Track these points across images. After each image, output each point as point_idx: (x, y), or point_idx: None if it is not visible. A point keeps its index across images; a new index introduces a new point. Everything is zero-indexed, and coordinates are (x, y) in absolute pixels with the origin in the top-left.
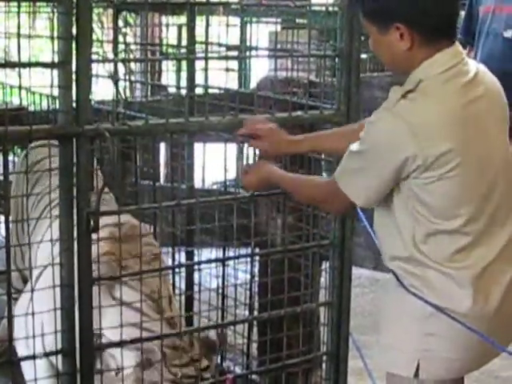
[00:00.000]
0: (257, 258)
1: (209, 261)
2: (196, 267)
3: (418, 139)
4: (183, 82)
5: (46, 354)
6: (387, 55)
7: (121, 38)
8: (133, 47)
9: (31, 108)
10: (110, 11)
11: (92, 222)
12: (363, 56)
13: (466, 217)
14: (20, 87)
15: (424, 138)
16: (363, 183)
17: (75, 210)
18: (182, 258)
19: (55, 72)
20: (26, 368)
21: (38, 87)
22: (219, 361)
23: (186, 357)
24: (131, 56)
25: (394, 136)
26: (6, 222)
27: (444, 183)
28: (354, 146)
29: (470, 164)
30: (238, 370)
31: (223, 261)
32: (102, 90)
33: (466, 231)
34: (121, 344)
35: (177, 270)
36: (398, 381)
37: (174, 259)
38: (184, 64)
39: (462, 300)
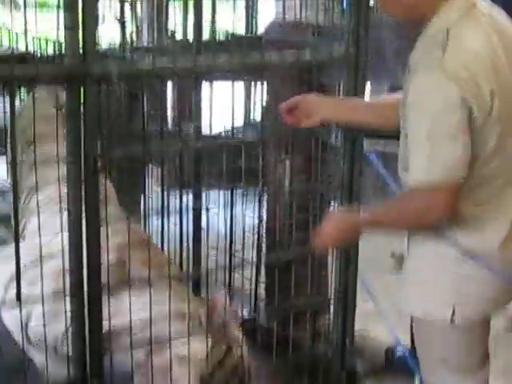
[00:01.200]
0: (265, 200)
1: (217, 207)
2: (204, 210)
3: (469, 92)
4: (190, 27)
5: (55, 296)
6: (398, 7)
7: None
8: None
9: (38, 54)
10: None
11: (99, 163)
12: None
13: (499, 162)
14: (26, 32)
15: (473, 88)
16: (447, 157)
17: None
18: (189, 201)
19: (62, 15)
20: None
21: (45, 32)
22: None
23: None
24: None
25: (449, 98)
26: (13, 163)
27: (485, 129)
28: (415, 133)
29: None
30: (245, 314)
31: (231, 203)
32: (108, 34)
33: (500, 176)
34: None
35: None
36: (431, 326)
37: (181, 201)
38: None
39: (494, 241)
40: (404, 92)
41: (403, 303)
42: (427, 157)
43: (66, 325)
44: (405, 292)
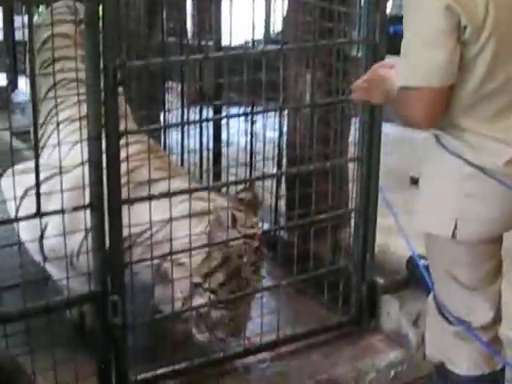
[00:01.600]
0: (285, 114)
1: (237, 115)
2: (224, 123)
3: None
4: None
5: (75, 209)
6: None
7: None
8: None
9: None
10: None
11: (119, 75)
12: None
13: (504, 79)
14: None
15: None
16: (427, 64)
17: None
18: (209, 114)
19: None
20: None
21: None
22: None
23: (249, 220)
24: None
25: (431, 6)
26: (32, 79)
27: (478, 42)
28: (402, 40)
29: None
30: (266, 228)
31: (252, 114)
32: None
33: (506, 94)
34: (149, 198)
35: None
36: (436, 241)
37: (201, 114)
38: None
39: (500, 156)
40: None
41: (414, 219)
42: (407, 64)
43: (85, 233)
44: (415, 208)
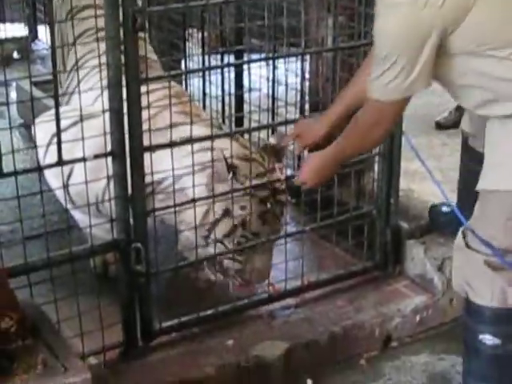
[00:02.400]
0: (307, 58)
1: (259, 59)
2: (245, 68)
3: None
4: None
5: (96, 156)
6: None
7: None
8: None
9: None
10: None
11: (138, 21)
12: None
13: None
14: None
15: None
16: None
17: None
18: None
19: None
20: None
21: None
22: None
23: (261, 168)
24: None
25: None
26: (52, 28)
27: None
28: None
29: None
30: (289, 172)
31: (273, 59)
32: None
33: None
34: (171, 145)
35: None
36: (505, 196)
37: (222, 60)
38: None
39: None
40: None
41: (484, 180)
42: (374, 75)
43: (107, 180)
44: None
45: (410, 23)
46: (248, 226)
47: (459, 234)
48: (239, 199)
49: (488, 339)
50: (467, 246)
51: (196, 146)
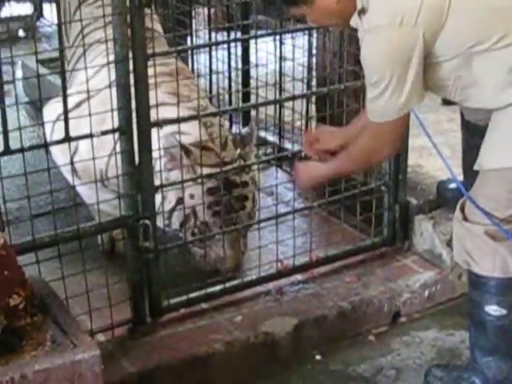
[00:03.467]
0: (314, 34)
1: (266, 34)
2: (252, 43)
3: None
4: None
5: (104, 133)
6: (333, 17)
7: None
8: None
9: None
10: None
11: None
12: None
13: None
14: None
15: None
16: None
17: None
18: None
19: None
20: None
21: None
22: (278, 140)
23: (215, 158)
24: None
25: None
26: (58, 4)
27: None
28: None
29: None
30: (296, 148)
31: (280, 35)
32: None
33: None
34: (178, 120)
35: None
36: (505, 173)
37: (229, 36)
38: None
39: None
40: None
41: (483, 159)
42: (369, 99)
43: (110, 152)
44: (484, 149)
45: (392, 44)
46: (199, 216)
47: (458, 207)
48: (190, 188)
49: (494, 310)
50: (465, 219)
51: (167, 129)
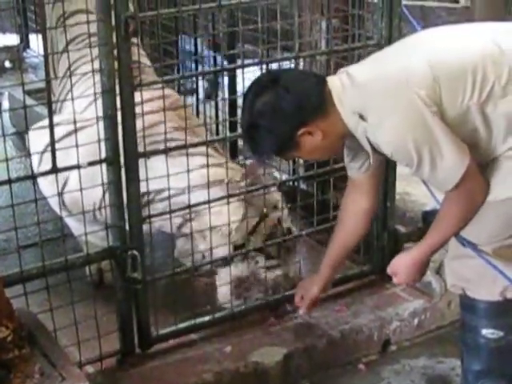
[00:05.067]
0: (301, 62)
1: (252, 64)
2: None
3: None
4: None
5: (91, 163)
6: (325, 151)
7: None
8: None
9: None
10: None
11: (131, 27)
12: None
13: None
14: None
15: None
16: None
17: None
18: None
19: None
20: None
21: None
22: None
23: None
24: None
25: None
26: (44, 34)
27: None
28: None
29: None
30: (284, 178)
31: (267, 63)
32: None
33: None
34: (165, 151)
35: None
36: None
37: (215, 64)
38: None
39: None
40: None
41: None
42: (431, 177)
43: (103, 188)
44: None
45: (401, 119)
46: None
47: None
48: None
49: (491, 333)
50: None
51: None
